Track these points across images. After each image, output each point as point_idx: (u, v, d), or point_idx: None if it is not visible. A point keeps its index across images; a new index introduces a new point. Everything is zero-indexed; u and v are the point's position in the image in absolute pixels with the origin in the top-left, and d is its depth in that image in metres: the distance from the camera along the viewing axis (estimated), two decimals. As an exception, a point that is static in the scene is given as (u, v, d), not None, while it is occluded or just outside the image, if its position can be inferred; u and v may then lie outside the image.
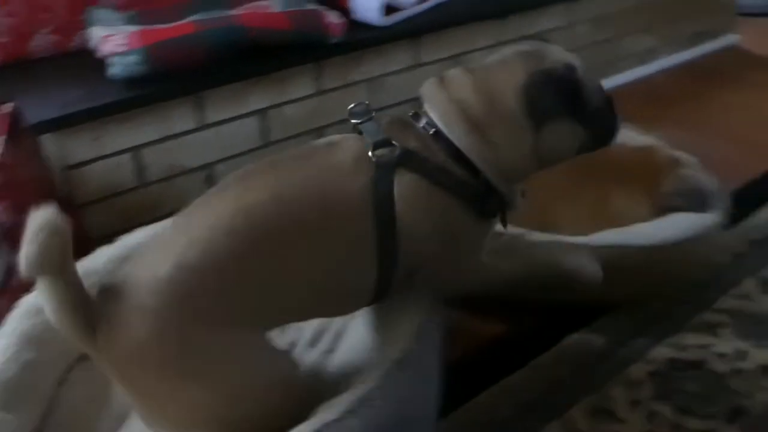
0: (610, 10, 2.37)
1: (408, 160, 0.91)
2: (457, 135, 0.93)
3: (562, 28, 2.26)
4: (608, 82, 2.41)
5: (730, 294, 1.38)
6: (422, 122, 0.95)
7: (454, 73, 0.98)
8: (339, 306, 0.98)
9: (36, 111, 1.44)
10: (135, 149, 1.56)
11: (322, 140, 0.98)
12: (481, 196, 0.95)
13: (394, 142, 0.91)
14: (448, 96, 0.95)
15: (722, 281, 1.40)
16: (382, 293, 0.95)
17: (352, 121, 0.95)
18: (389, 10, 1.86)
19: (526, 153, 0.95)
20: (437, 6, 1.98)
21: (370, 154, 0.90)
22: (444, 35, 1.95)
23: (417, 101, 0.99)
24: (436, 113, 0.95)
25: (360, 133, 0.94)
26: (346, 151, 0.92)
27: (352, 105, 0.97)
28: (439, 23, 1.93)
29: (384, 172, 0.90)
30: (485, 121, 0.93)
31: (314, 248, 0.88)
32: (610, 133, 1.04)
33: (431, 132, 0.94)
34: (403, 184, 0.90)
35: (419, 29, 1.90)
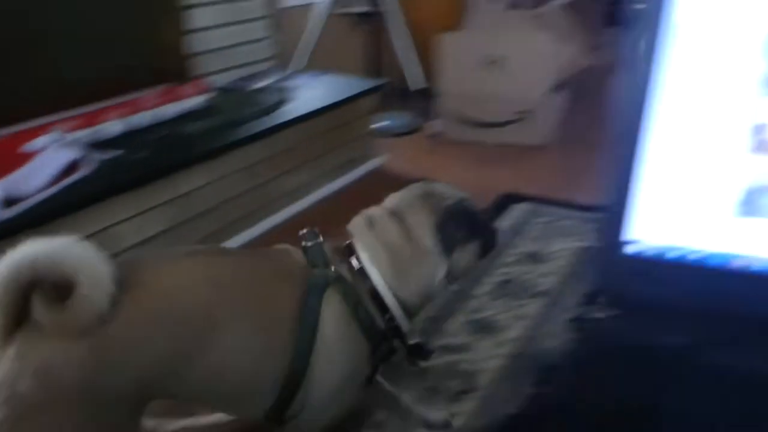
0: (260, 157, 2.54)
1: (340, 283, 1.03)
2: (378, 275, 1.07)
3: (213, 182, 2.35)
4: (264, 224, 2.55)
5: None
6: (353, 257, 1.08)
7: (379, 215, 1.13)
8: (230, 405, 1.04)
9: None
10: None
11: (276, 246, 1.12)
12: (380, 341, 1.05)
13: (332, 266, 1.05)
14: (376, 238, 1.10)
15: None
16: (275, 415, 1.00)
17: (302, 243, 1.07)
18: (11, 202, 1.78)
19: (442, 278, 1.13)
20: (67, 188, 1.94)
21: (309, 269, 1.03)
22: (80, 216, 1.91)
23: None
24: (365, 253, 1.08)
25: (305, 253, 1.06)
26: (295, 259, 1.05)
27: (303, 231, 1.10)
28: (72, 205, 1.89)
29: (318, 288, 1.00)
30: (409, 261, 1.09)
31: (237, 335, 0.92)
32: (494, 239, 1.27)
33: (357, 268, 1.07)
34: (331, 304, 1.00)
35: (50, 215, 1.84)
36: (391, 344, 1.09)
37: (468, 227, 1.16)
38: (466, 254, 1.17)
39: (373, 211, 1.16)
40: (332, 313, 1.01)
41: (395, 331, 1.09)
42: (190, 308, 0.90)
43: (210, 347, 0.89)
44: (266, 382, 0.97)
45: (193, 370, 0.90)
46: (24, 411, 0.79)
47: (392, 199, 1.19)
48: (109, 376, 0.83)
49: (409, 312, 1.11)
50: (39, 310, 0.81)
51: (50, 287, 0.81)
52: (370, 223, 1.13)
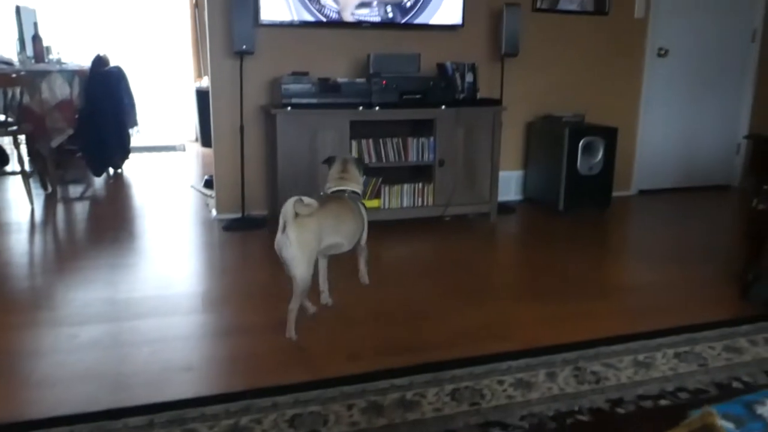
0: None
1: (359, 199, 2.73)
2: (359, 191, 2.77)
3: None
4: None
5: None
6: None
7: (345, 174, 2.74)
8: (351, 244, 2.61)
9: None
10: None
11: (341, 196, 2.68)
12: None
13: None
14: (351, 180, 2.74)
15: None
16: (356, 245, 2.68)
17: (346, 191, 2.69)
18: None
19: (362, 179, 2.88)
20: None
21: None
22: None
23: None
24: (355, 186, 2.74)
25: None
26: (346, 197, 2.67)
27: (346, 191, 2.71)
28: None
29: (356, 202, 2.67)
30: (359, 182, 2.79)
31: (348, 218, 2.56)
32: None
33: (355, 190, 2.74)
34: (359, 204, 2.70)
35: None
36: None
37: (362, 164, 2.87)
38: (360, 169, 2.83)
39: (340, 173, 2.73)
40: (360, 207, 2.67)
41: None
42: (337, 211, 2.51)
43: (342, 222, 2.51)
44: (357, 231, 2.61)
45: (340, 229, 2.49)
46: (300, 234, 2.28)
47: (338, 165, 2.76)
48: (320, 226, 2.34)
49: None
50: (300, 210, 2.26)
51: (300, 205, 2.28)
52: (346, 175, 2.73)
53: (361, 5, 3.92)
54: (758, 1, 5.04)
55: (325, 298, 2.66)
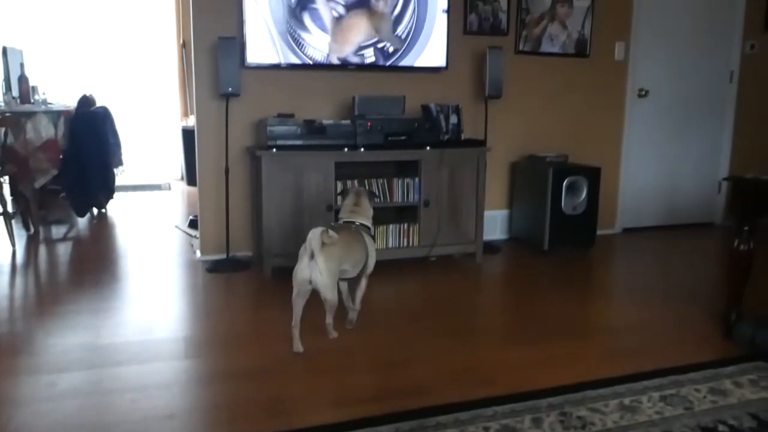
0: None
1: (366, 230, 2.98)
2: (368, 223, 3.04)
3: None
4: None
5: None
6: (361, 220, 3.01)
7: (357, 205, 3.04)
8: (356, 271, 2.85)
9: None
10: None
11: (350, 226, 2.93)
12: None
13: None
14: (361, 213, 3.03)
15: None
16: (361, 272, 2.90)
17: (353, 223, 2.96)
18: None
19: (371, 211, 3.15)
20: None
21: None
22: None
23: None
24: (364, 219, 3.02)
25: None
26: (354, 228, 2.90)
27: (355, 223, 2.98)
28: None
29: (362, 233, 2.91)
30: (369, 215, 3.07)
31: (355, 248, 2.82)
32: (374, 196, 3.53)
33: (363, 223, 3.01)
34: (367, 235, 2.95)
35: None
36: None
37: (373, 196, 3.14)
38: (371, 202, 3.10)
39: (353, 206, 3.03)
40: (366, 239, 2.91)
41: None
42: (348, 240, 2.75)
43: (352, 251, 2.77)
44: (361, 260, 2.83)
45: (349, 258, 2.74)
46: (327, 262, 2.58)
47: (351, 198, 3.07)
48: (341, 250, 2.66)
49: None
50: (326, 240, 2.56)
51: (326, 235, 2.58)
52: (357, 209, 3.02)
53: (347, 48, 3.98)
54: (735, 43, 5.17)
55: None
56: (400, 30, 4.06)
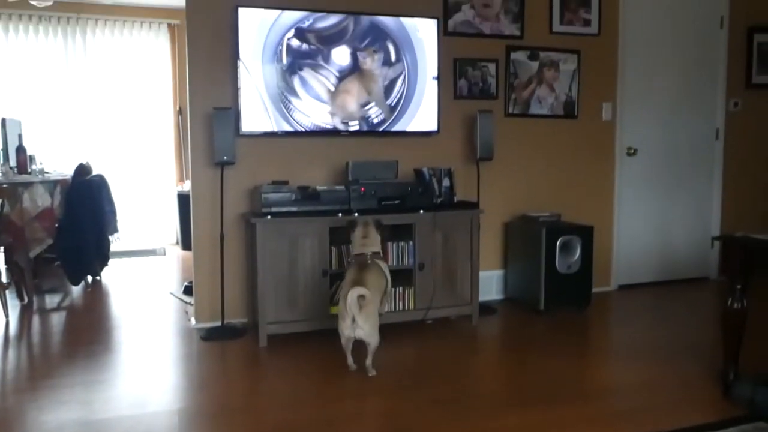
0: None
1: (381, 260, 3.40)
2: (378, 250, 3.44)
3: None
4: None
5: None
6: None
7: (367, 238, 3.40)
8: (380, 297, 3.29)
9: None
10: None
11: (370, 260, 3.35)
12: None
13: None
14: (372, 244, 3.41)
15: None
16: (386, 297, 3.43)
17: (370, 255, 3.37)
18: None
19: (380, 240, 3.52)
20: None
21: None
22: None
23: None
24: (376, 249, 3.41)
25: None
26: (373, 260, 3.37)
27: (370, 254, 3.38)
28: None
29: (378, 263, 3.36)
30: (377, 242, 3.44)
31: (377, 279, 3.27)
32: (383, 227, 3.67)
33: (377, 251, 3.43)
34: (383, 264, 3.40)
35: None
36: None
37: (380, 226, 3.47)
38: (380, 232, 3.45)
39: (362, 238, 3.39)
40: (381, 263, 3.35)
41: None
42: (372, 279, 3.17)
43: (377, 286, 3.19)
44: (382, 286, 3.28)
45: (377, 293, 3.18)
46: (368, 318, 3.08)
47: (360, 230, 3.41)
48: (372, 295, 3.09)
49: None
50: (362, 303, 3.02)
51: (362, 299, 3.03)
52: (367, 241, 3.38)
53: (340, 115, 4.06)
54: (719, 100, 5.29)
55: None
56: (390, 99, 4.15)
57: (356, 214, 3.75)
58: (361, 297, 3.00)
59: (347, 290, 3.02)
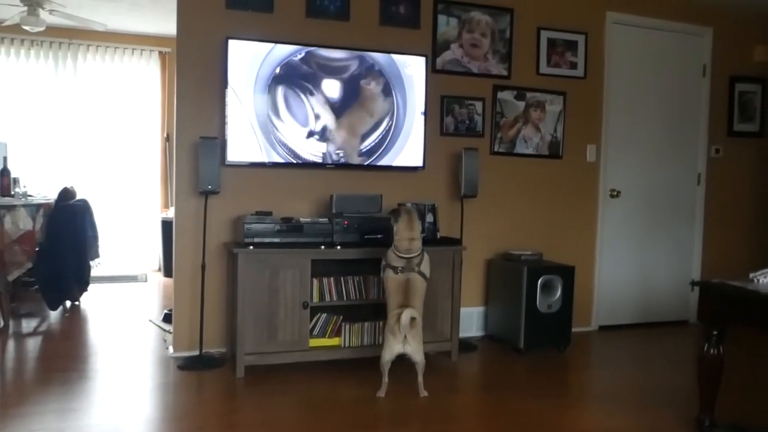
0: None
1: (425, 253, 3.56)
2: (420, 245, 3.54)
3: None
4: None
5: None
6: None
7: (412, 224, 3.44)
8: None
9: None
10: None
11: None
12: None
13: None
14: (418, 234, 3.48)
15: None
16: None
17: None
18: None
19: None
20: None
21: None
22: None
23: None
24: (419, 242, 3.47)
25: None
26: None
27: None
28: None
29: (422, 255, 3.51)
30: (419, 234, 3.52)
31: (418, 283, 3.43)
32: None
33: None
34: (428, 257, 3.57)
35: None
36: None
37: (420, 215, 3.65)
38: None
39: (409, 231, 3.41)
40: (424, 265, 3.47)
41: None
42: (421, 294, 3.44)
43: (417, 296, 3.42)
44: (423, 294, 3.47)
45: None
46: (416, 337, 3.36)
47: (404, 222, 3.40)
48: (419, 311, 3.39)
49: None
50: (414, 326, 3.32)
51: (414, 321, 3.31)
52: (413, 234, 3.42)
53: (325, 147, 4.08)
54: (701, 147, 5.38)
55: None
56: (378, 133, 4.19)
57: (339, 247, 3.76)
58: (416, 321, 3.28)
59: (398, 311, 3.27)
